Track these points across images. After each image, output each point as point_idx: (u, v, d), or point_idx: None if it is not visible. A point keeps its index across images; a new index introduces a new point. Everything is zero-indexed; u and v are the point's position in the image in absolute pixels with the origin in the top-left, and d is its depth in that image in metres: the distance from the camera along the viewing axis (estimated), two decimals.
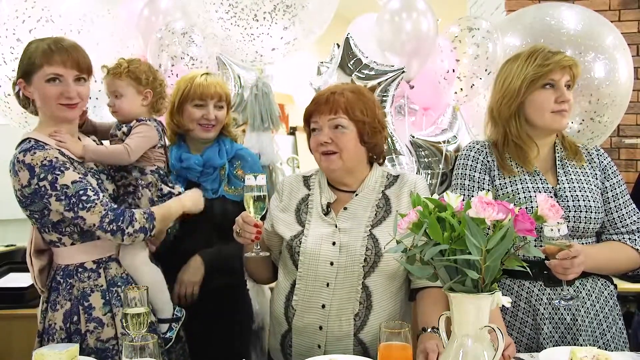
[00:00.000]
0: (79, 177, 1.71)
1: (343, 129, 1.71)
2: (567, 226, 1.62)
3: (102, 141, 2.02)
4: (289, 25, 2.56)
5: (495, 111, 1.88)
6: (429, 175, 2.76)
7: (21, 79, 1.77)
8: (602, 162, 1.88)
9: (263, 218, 1.78)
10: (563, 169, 1.85)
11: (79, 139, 1.87)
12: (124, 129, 1.93)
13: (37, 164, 1.67)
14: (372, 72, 2.60)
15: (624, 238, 1.82)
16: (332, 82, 2.60)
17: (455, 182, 1.89)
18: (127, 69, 1.92)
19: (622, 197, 1.85)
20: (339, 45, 2.86)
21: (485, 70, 2.76)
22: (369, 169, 1.81)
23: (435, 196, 1.30)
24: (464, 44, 2.79)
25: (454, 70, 2.80)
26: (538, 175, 1.82)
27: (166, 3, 2.86)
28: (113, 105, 1.95)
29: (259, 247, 1.74)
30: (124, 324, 1.51)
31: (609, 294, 1.83)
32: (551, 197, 1.72)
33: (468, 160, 1.87)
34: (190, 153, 2.15)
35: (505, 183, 1.82)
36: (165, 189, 1.96)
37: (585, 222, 1.78)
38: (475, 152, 1.88)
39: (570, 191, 1.80)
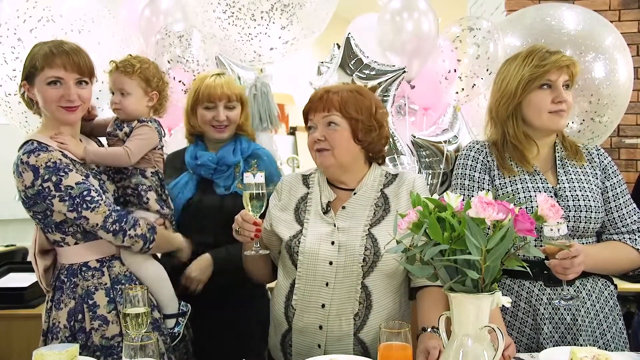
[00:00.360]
0: (82, 179, 1.73)
1: (335, 126, 1.72)
2: (567, 226, 1.62)
3: (101, 140, 2.02)
4: (286, 24, 2.56)
5: (493, 112, 1.88)
6: (430, 175, 2.76)
7: (25, 82, 1.79)
8: (603, 161, 1.88)
9: (263, 216, 1.78)
10: (563, 168, 1.85)
11: (81, 140, 1.88)
12: (126, 129, 1.93)
13: (41, 165, 1.69)
14: (373, 72, 2.61)
15: (624, 238, 1.82)
16: (332, 82, 2.61)
17: (455, 182, 1.89)
18: (140, 68, 1.92)
19: (622, 197, 1.84)
20: (339, 46, 2.86)
21: (487, 70, 2.76)
22: (368, 168, 1.81)
23: (436, 196, 1.30)
24: (465, 44, 2.80)
25: (455, 70, 2.80)
26: (538, 175, 1.82)
27: (167, 3, 2.86)
28: (118, 102, 1.93)
29: (258, 245, 1.75)
30: (124, 324, 1.51)
31: (609, 294, 1.83)
32: (551, 196, 1.72)
33: (468, 160, 1.87)
34: (206, 151, 2.16)
35: (505, 183, 1.82)
36: (163, 196, 1.97)
37: (586, 222, 1.78)
38: (475, 152, 1.88)
39: (570, 191, 1.80)
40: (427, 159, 2.75)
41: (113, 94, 1.96)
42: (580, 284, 1.78)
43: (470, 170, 1.86)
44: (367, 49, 2.68)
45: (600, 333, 1.78)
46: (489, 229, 1.23)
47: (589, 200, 1.79)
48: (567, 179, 1.82)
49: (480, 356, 1.24)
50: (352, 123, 1.73)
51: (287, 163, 4.10)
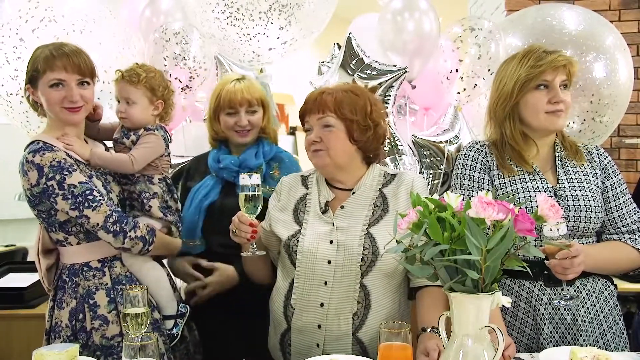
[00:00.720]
0: (86, 179, 1.76)
1: (331, 128, 1.73)
2: (567, 226, 1.63)
3: (106, 143, 2.04)
4: (285, 25, 2.56)
5: (491, 112, 1.89)
6: (431, 175, 2.76)
7: (28, 85, 1.82)
8: (603, 161, 1.88)
9: (261, 217, 1.78)
10: (563, 168, 1.85)
11: (86, 142, 1.91)
12: (133, 137, 1.95)
13: (46, 164, 1.71)
14: (374, 72, 2.61)
15: (624, 237, 1.82)
16: (333, 81, 2.61)
17: (455, 182, 1.89)
18: (145, 78, 1.94)
19: (622, 197, 1.84)
20: (339, 46, 2.86)
21: (488, 70, 2.76)
22: (366, 168, 1.82)
23: (436, 196, 1.30)
24: (466, 44, 2.79)
25: (457, 71, 2.80)
26: (538, 175, 1.82)
27: (167, 4, 2.86)
28: (124, 111, 1.95)
29: (254, 246, 1.76)
30: (124, 324, 1.51)
31: (609, 294, 1.83)
32: (551, 196, 1.72)
33: (467, 160, 1.87)
34: (229, 155, 2.19)
35: (504, 183, 1.82)
36: (170, 202, 1.99)
37: (585, 222, 1.78)
38: (474, 152, 1.88)
39: (570, 191, 1.80)
40: (428, 159, 2.75)
41: (119, 102, 1.98)
42: (580, 284, 1.78)
43: (470, 170, 1.86)
44: (367, 49, 2.68)
45: (600, 333, 1.78)
46: (489, 229, 1.23)
47: (589, 200, 1.79)
48: (567, 179, 1.82)
49: (480, 356, 1.24)
50: (347, 124, 1.74)
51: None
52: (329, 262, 1.69)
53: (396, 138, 2.62)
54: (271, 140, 2.24)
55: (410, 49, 2.68)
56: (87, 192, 1.73)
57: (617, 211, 1.83)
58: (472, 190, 1.82)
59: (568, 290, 1.71)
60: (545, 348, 1.69)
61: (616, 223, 1.83)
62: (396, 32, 2.68)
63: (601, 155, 1.90)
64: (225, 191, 2.15)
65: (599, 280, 1.82)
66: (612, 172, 1.87)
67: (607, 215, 1.83)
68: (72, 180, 1.73)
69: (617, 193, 1.84)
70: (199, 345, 2.05)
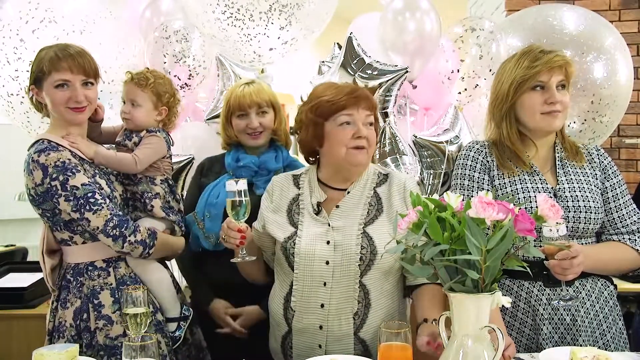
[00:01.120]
0: (89, 181, 1.77)
1: (373, 127, 1.75)
2: (567, 226, 1.63)
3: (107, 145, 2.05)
4: (285, 25, 2.56)
5: (490, 112, 1.89)
6: (432, 175, 2.76)
7: (33, 86, 1.83)
8: (603, 162, 1.88)
9: (253, 220, 1.78)
10: (563, 169, 1.85)
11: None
12: (135, 139, 1.97)
13: (50, 164, 1.73)
14: (375, 72, 2.61)
15: (624, 238, 1.82)
16: (334, 81, 2.60)
17: (455, 182, 1.89)
18: (153, 83, 1.96)
19: (622, 198, 1.84)
20: (340, 45, 2.86)
21: (489, 71, 2.76)
22: None
23: (436, 196, 1.30)
24: (467, 44, 2.80)
25: (457, 71, 2.80)
26: (538, 175, 1.82)
27: (167, 4, 2.86)
28: (128, 112, 1.97)
29: (244, 252, 1.76)
30: (124, 324, 1.52)
31: (608, 294, 1.83)
32: (551, 197, 1.72)
33: (467, 160, 1.87)
34: (248, 155, 2.20)
35: (504, 183, 1.82)
36: (172, 203, 2.00)
37: (585, 223, 1.77)
38: (474, 152, 1.88)
39: (570, 191, 1.80)
40: (428, 159, 2.75)
41: (124, 103, 2.00)
42: (580, 284, 1.78)
43: (469, 170, 1.86)
44: (368, 49, 2.68)
45: (600, 333, 1.78)
46: (488, 229, 1.23)
47: (589, 201, 1.79)
48: (566, 180, 1.82)
49: (480, 356, 1.24)
50: (375, 125, 1.77)
51: (296, 159, 4.09)
52: (327, 262, 1.69)
53: (397, 138, 2.62)
54: (282, 142, 2.27)
55: (411, 49, 2.68)
56: (89, 194, 1.74)
57: (616, 212, 1.83)
58: (472, 191, 1.82)
59: (567, 290, 1.72)
60: (545, 348, 1.69)
61: (616, 224, 1.83)
62: (397, 32, 2.68)
63: (601, 155, 1.90)
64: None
65: (598, 280, 1.82)
66: (612, 172, 1.87)
67: (606, 216, 1.83)
68: (75, 181, 1.73)
69: (617, 194, 1.84)
70: (202, 348, 2.05)
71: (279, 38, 2.61)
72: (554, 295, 1.73)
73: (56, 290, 1.86)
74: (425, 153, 2.75)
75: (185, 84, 2.67)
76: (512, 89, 1.80)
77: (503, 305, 1.26)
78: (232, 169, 2.17)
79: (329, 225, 1.72)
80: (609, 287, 1.85)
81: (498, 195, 1.78)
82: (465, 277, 1.21)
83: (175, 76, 2.64)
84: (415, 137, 2.75)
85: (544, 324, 1.76)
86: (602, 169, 1.87)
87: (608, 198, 1.84)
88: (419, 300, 1.71)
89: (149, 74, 1.99)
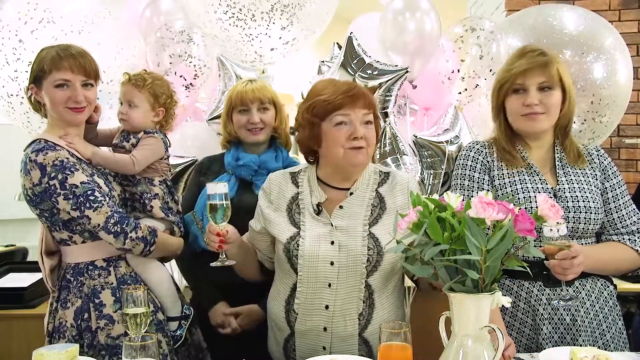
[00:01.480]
0: (88, 179, 1.76)
1: (371, 126, 1.72)
2: (567, 227, 1.62)
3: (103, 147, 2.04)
4: (287, 25, 2.57)
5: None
6: (432, 175, 2.76)
7: (32, 85, 1.83)
8: (602, 162, 1.88)
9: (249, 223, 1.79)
10: (563, 169, 1.85)
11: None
12: (132, 140, 1.97)
13: (48, 163, 1.72)
14: (376, 72, 2.61)
15: (623, 239, 1.82)
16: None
17: (455, 182, 1.89)
18: (150, 84, 1.96)
19: (622, 198, 1.84)
20: (339, 45, 2.86)
21: (490, 71, 2.76)
22: None
23: (436, 196, 1.30)
24: (467, 44, 2.80)
25: (458, 71, 2.80)
26: (538, 175, 1.82)
27: (167, 4, 2.86)
28: (125, 113, 1.97)
29: (224, 256, 1.74)
30: (123, 324, 1.51)
31: (608, 294, 1.83)
32: (551, 197, 1.72)
33: (467, 160, 1.87)
34: (248, 154, 2.21)
35: (504, 183, 1.82)
36: (171, 204, 2.00)
37: (585, 223, 1.77)
38: (475, 153, 1.88)
39: (569, 192, 1.80)
40: (428, 159, 2.75)
41: (122, 104, 2.00)
42: (580, 284, 1.78)
43: (470, 170, 1.86)
44: (367, 49, 2.68)
45: (600, 333, 1.78)
46: (488, 229, 1.23)
47: (589, 202, 1.79)
48: (566, 180, 1.82)
49: (480, 356, 1.24)
50: (376, 123, 1.75)
51: (296, 161, 4.09)
52: (332, 263, 1.67)
53: (397, 138, 2.62)
54: (283, 142, 2.27)
55: (411, 49, 2.69)
56: (89, 192, 1.74)
57: (616, 212, 1.83)
58: (472, 191, 1.82)
59: (567, 290, 1.72)
60: (545, 348, 1.69)
61: (616, 224, 1.83)
62: (397, 32, 2.68)
63: (601, 156, 1.89)
64: (242, 190, 2.16)
65: (598, 280, 1.82)
66: (612, 173, 1.87)
67: (606, 216, 1.83)
68: (74, 180, 1.73)
69: (617, 194, 1.84)
70: (201, 349, 2.05)
71: (280, 38, 2.62)
72: (554, 295, 1.73)
73: (56, 290, 1.85)
74: (426, 153, 2.75)
75: (191, 84, 2.67)
76: (495, 91, 1.84)
77: (503, 305, 1.26)
78: (231, 167, 2.17)
79: (332, 225, 1.71)
80: (608, 287, 1.85)
81: (498, 196, 1.78)
82: (465, 277, 1.21)
83: (181, 76, 2.64)
84: (416, 137, 2.75)
85: (544, 324, 1.76)
86: (602, 170, 1.87)
87: (608, 198, 1.84)
88: None
89: (147, 75, 1.99)
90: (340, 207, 1.74)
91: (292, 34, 2.62)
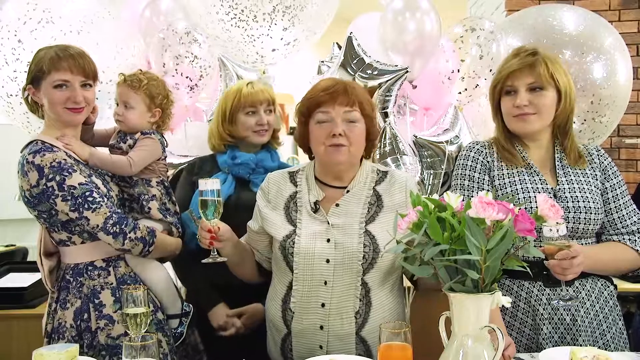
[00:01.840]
0: (86, 180, 1.76)
1: (355, 124, 1.70)
2: (567, 227, 1.62)
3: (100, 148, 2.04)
4: (288, 26, 2.57)
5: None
6: (432, 175, 2.76)
7: (30, 85, 1.82)
8: (603, 162, 1.88)
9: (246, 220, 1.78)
10: (563, 169, 1.85)
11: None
12: (130, 141, 1.96)
13: (46, 164, 1.72)
14: (375, 72, 2.61)
15: (624, 239, 1.82)
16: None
17: (455, 182, 1.89)
18: (146, 85, 1.95)
19: (622, 198, 1.84)
20: (339, 45, 2.86)
21: (490, 71, 2.76)
22: (359, 165, 1.80)
23: (436, 196, 1.30)
24: (467, 44, 2.80)
25: (458, 71, 2.80)
26: (538, 175, 1.82)
27: (167, 4, 2.86)
28: (121, 114, 1.97)
29: (215, 252, 1.74)
30: (124, 324, 1.51)
31: (609, 294, 1.83)
32: (551, 197, 1.72)
33: (468, 160, 1.87)
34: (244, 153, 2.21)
35: (505, 183, 1.82)
36: (169, 204, 2.00)
37: (585, 223, 1.77)
38: (475, 153, 1.88)
39: (569, 192, 1.80)
40: (428, 159, 2.75)
41: (118, 105, 1.99)
42: (580, 284, 1.78)
43: (470, 170, 1.86)
44: (367, 49, 2.68)
45: (600, 333, 1.78)
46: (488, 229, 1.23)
47: (589, 202, 1.79)
48: (566, 180, 1.82)
49: (480, 356, 1.24)
50: (367, 121, 1.73)
51: (287, 163, 4.10)
52: (328, 261, 1.67)
53: (397, 138, 2.62)
54: (276, 142, 2.28)
55: (411, 49, 2.69)
56: (87, 193, 1.73)
57: (616, 212, 1.83)
58: (472, 191, 1.82)
59: (567, 290, 1.71)
60: (545, 348, 1.69)
61: (616, 224, 1.83)
62: (397, 32, 2.68)
63: (601, 156, 1.89)
64: (240, 188, 2.16)
65: (598, 280, 1.82)
66: (612, 173, 1.86)
67: (606, 216, 1.83)
68: (72, 181, 1.73)
69: (617, 194, 1.84)
70: (198, 350, 2.05)
71: (281, 39, 2.62)
72: (554, 295, 1.73)
73: (55, 291, 1.85)
74: (425, 153, 2.75)
75: (196, 84, 2.68)
76: (491, 91, 1.86)
77: (503, 305, 1.26)
78: (228, 166, 2.17)
79: (329, 223, 1.71)
80: (609, 287, 1.84)
81: (498, 196, 1.78)
82: (465, 277, 1.21)
83: (187, 77, 2.64)
84: (416, 137, 2.75)
85: (544, 324, 1.76)
86: (603, 170, 1.86)
87: (608, 199, 1.83)
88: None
89: (142, 76, 1.98)
90: (337, 205, 1.74)
91: (293, 35, 2.63)
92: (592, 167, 1.86)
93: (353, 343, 1.67)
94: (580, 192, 1.80)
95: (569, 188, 1.80)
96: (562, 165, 1.85)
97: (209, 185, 1.72)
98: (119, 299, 1.78)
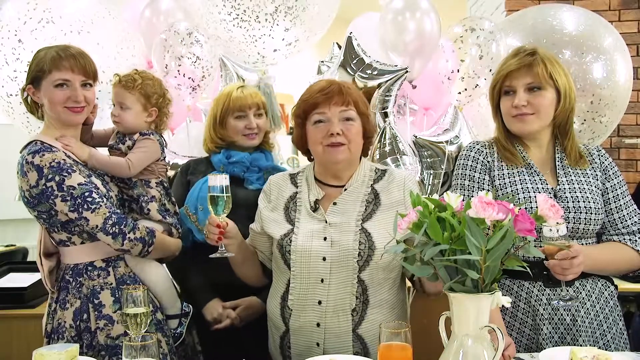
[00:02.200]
0: (85, 180, 1.76)
1: (352, 122, 1.73)
2: (567, 227, 1.62)
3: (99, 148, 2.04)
4: (290, 26, 2.58)
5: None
6: (432, 175, 2.76)
7: (30, 85, 1.82)
8: (603, 162, 1.88)
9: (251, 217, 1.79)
10: (563, 170, 1.84)
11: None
12: (128, 142, 1.96)
13: (45, 165, 1.72)
14: (375, 72, 2.61)
15: (624, 239, 1.82)
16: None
17: (455, 182, 1.89)
18: (141, 84, 1.95)
19: (622, 198, 1.84)
20: (339, 45, 2.86)
21: (490, 71, 2.76)
22: (357, 164, 1.82)
23: (436, 196, 1.30)
24: (467, 44, 2.80)
25: (458, 71, 2.81)
26: (538, 175, 1.82)
27: (167, 4, 2.86)
28: (117, 115, 1.96)
29: (223, 248, 1.75)
30: (124, 325, 1.52)
31: (609, 294, 1.83)
32: (551, 197, 1.72)
33: (468, 160, 1.87)
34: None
35: (505, 183, 1.82)
36: (168, 205, 2.00)
37: (585, 223, 1.77)
38: (475, 153, 1.88)
39: (570, 192, 1.80)
40: (428, 159, 2.75)
41: (114, 106, 1.99)
42: (580, 284, 1.78)
43: (470, 170, 1.86)
44: (367, 49, 2.68)
45: (600, 334, 1.78)
46: (488, 229, 1.23)
47: (589, 202, 1.79)
48: (567, 180, 1.82)
49: (480, 356, 1.24)
50: (362, 119, 1.75)
51: (287, 163, 4.11)
52: (324, 258, 1.68)
53: (397, 138, 2.62)
54: (268, 144, 2.30)
55: (411, 49, 2.69)
56: (86, 193, 1.73)
57: (617, 212, 1.83)
58: (473, 191, 1.82)
59: (567, 291, 1.71)
60: (545, 348, 1.69)
61: (616, 224, 1.83)
62: (397, 32, 2.68)
63: (602, 156, 1.89)
64: (234, 185, 2.16)
65: (598, 280, 1.82)
66: (613, 173, 1.86)
67: (607, 216, 1.83)
68: (71, 181, 1.73)
69: (618, 194, 1.84)
70: (196, 352, 2.05)
71: (283, 39, 2.62)
72: (554, 295, 1.73)
73: (55, 291, 1.85)
74: (425, 153, 2.75)
75: (198, 85, 2.68)
76: (490, 91, 1.86)
77: (503, 305, 1.26)
78: (223, 165, 2.18)
79: (326, 222, 1.72)
80: (609, 287, 1.84)
81: (498, 196, 1.78)
82: (465, 277, 1.21)
83: (189, 78, 2.64)
84: (416, 137, 2.75)
85: (544, 324, 1.76)
86: (603, 170, 1.86)
87: (609, 199, 1.83)
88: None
89: (137, 76, 1.97)
90: (334, 203, 1.75)
91: (294, 36, 2.63)
92: (592, 167, 1.86)
93: (350, 340, 1.67)
94: (580, 192, 1.80)
95: (569, 188, 1.80)
96: (562, 165, 1.85)
97: (219, 181, 1.73)
98: (119, 299, 1.78)
